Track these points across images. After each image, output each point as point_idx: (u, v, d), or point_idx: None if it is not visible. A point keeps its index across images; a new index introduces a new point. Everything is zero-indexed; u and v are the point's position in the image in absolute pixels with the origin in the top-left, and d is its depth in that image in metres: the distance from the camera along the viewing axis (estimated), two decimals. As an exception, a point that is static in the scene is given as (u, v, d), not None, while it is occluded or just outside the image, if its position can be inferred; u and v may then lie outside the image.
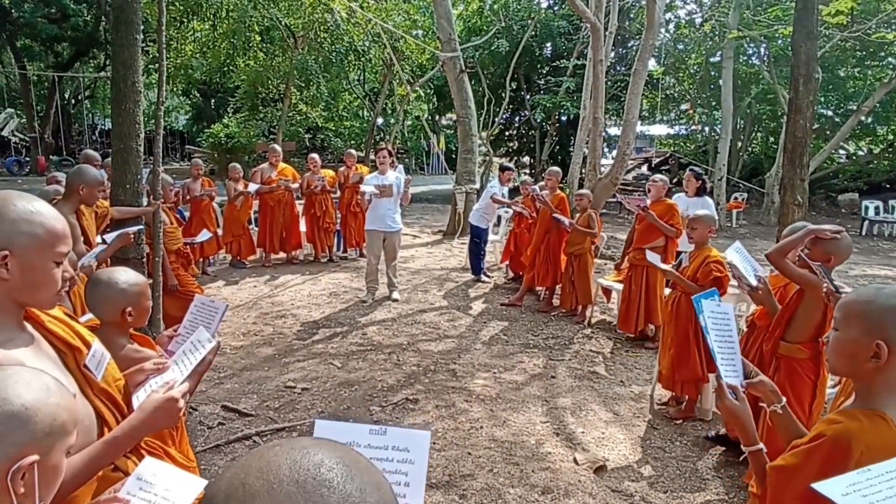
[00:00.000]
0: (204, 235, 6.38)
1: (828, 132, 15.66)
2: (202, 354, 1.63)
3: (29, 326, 1.31)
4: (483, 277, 7.47)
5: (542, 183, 7.00)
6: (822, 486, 1.16)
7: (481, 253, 7.50)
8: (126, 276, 1.91)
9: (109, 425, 1.39)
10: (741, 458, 3.38)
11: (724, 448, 3.54)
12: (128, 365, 1.69)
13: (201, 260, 7.45)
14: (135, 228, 3.97)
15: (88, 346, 1.42)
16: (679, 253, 4.85)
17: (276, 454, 0.57)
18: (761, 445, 1.54)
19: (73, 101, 25.52)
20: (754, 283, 3.02)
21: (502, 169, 7.82)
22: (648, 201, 5.30)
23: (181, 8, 11.88)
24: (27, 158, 21.01)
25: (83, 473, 1.27)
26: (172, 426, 1.58)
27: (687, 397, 4.00)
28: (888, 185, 16.69)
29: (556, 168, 6.90)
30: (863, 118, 13.65)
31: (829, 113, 16.50)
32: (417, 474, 1.10)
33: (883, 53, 14.38)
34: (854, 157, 18.59)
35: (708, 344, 1.70)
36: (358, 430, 1.14)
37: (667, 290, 4.84)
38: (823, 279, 2.27)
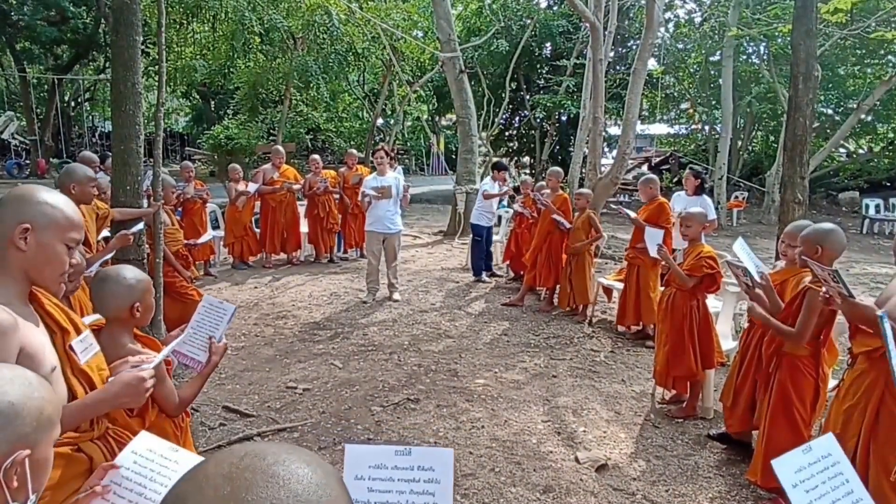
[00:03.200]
0: (206, 237, 6.38)
1: (828, 131, 15.65)
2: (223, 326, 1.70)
3: (31, 305, 1.45)
4: (484, 277, 7.47)
5: (542, 183, 7.02)
6: (780, 466, 1.21)
7: (483, 252, 7.51)
8: (133, 272, 1.94)
9: None
10: (742, 457, 3.39)
11: (725, 446, 3.54)
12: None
13: (203, 262, 7.45)
14: (135, 229, 3.97)
15: (79, 331, 1.53)
16: (674, 250, 4.93)
17: (205, 460, 0.59)
18: None
19: (73, 103, 25.54)
20: (758, 279, 3.02)
21: (496, 167, 7.80)
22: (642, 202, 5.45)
23: (180, 10, 11.88)
24: (27, 161, 21.04)
25: None
26: (137, 405, 1.66)
27: (688, 395, 4.01)
28: (888, 184, 16.68)
29: (557, 168, 6.90)
30: (863, 116, 13.64)
31: (830, 111, 16.50)
32: (444, 492, 1.12)
33: (883, 51, 14.35)
34: (854, 156, 18.59)
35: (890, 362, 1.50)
36: (384, 452, 1.17)
37: (660, 288, 4.90)
38: (832, 278, 2.23)
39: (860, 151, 18.88)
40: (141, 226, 4.06)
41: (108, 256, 3.66)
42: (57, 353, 1.43)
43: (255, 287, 7.05)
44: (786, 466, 1.21)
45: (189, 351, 1.99)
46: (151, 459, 1.29)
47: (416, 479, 1.13)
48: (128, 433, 1.71)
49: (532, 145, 19.29)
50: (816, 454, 1.23)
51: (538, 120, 17.91)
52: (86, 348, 1.51)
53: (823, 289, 2.48)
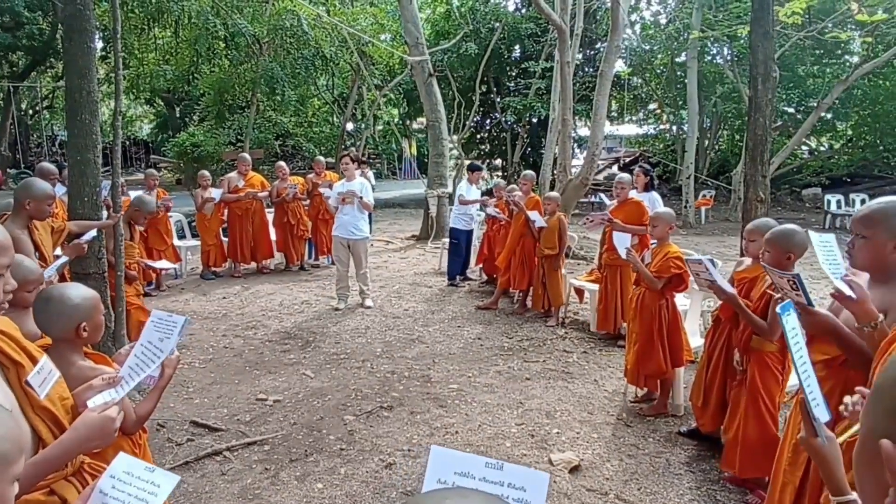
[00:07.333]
0: (163, 264, 6.22)
1: (791, 129, 16.06)
2: (158, 361, 1.61)
3: None
4: (458, 282, 7.46)
5: (514, 186, 7.06)
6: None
7: (461, 256, 7.52)
8: (77, 290, 1.84)
9: (46, 444, 1.35)
10: (712, 452, 3.43)
11: (695, 442, 3.58)
12: (82, 383, 1.64)
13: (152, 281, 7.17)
14: (88, 237, 3.83)
15: (35, 361, 1.39)
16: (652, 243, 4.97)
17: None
18: (853, 496, 1.24)
19: (30, 111, 24.81)
20: (731, 286, 3.08)
21: (471, 168, 7.86)
22: (614, 202, 5.43)
23: (141, 15, 11.64)
24: (-16, 172, 20.36)
25: None
26: (107, 446, 1.55)
27: (658, 394, 4.05)
28: (848, 180, 17.17)
29: (529, 172, 6.95)
30: (823, 114, 14.02)
31: (791, 110, 16.93)
32: None
33: (840, 51, 14.81)
34: (816, 153, 19.11)
35: (793, 361, 1.48)
36: (473, 461, 1.12)
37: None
38: (791, 285, 2.18)
39: (821, 149, 19.42)
40: (93, 232, 3.89)
41: (64, 262, 3.53)
42: (13, 391, 1.30)
43: (224, 297, 6.91)
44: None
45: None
46: (129, 483, 1.27)
47: (505, 495, 1.09)
48: (104, 465, 1.63)
49: (504, 147, 19.38)
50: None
51: (509, 122, 18.00)
52: (44, 380, 1.38)
53: (777, 294, 2.48)
